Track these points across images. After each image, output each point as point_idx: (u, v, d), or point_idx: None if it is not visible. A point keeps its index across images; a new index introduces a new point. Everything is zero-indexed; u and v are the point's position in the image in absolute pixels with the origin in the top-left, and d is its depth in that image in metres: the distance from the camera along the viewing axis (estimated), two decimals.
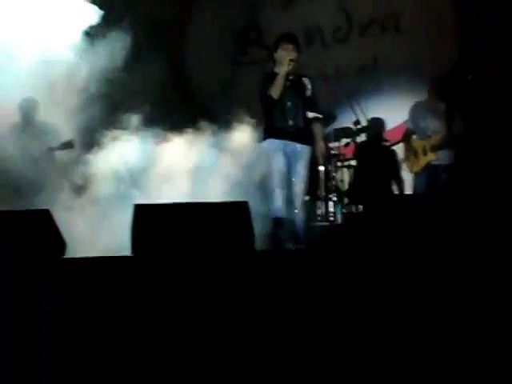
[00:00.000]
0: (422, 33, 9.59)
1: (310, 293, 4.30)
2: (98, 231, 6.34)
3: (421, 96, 8.01)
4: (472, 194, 4.89)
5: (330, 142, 8.92)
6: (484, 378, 4.09)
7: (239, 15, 10.37)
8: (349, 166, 9.01)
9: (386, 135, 8.73)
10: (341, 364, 4.16)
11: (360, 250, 4.47)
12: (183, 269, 4.25)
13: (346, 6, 10.18)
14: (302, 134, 6.44)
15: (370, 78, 9.90)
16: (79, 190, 6.95)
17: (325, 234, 7.47)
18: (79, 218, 6.30)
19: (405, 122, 8.02)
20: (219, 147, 7.14)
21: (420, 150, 7.70)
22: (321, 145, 6.59)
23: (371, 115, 8.74)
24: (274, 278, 4.32)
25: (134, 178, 6.98)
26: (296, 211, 6.30)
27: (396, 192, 8.35)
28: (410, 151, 7.81)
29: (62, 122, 7.20)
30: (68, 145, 7.19)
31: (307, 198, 8.47)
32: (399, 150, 8.35)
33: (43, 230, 4.34)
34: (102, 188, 6.84)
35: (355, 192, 8.64)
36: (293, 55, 6.45)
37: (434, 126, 7.67)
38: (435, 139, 7.61)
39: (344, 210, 8.60)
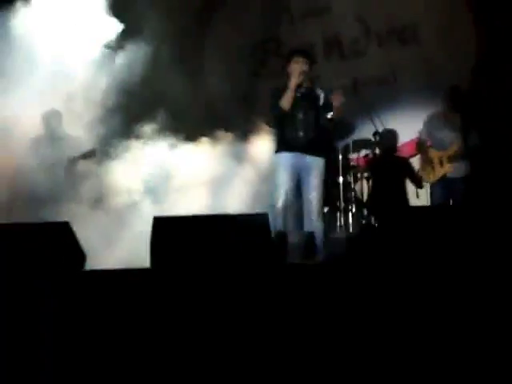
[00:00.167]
0: (440, 44, 9.56)
1: (331, 306, 4.28)
2: (114, 243, 6.35)
3: (438, 107, 7.99)
4: (488, 205, 4.88)
5: (349, 153, 8.92)
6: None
7: (258, 27, 10.39)
8: (368, 177, 8.99)
9: (400, 147, 8.72)
10: (357, 375, 4.14)
11: (376, 262, 4.47)
12: (202, 282, 4.24)
13: (364, 17, 10.17)
14: (313, 146, 6.44)
15: (389, 90, 9.88)
16: (97, 201, 6.96)
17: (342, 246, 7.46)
18: (96, 230, 6.30)
19: (419, 133, 8.00)
20: (238, 158, 7.14)
21: (436, 161, 7.69)
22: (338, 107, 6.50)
23: (390, 126, 8.72)
24: (294, 290, 4.31)
25: (152, 189, 6.99)
26: (313, 223, 6.26)
27: (411, 203, 8.34)
28: (427, 162, 7.79)
29: (81, 134, 7.23)
30: (90, 154, 7.22)
31: (326, 209, 8.49)
32: (416, 161, 8.32)
33: (63, 242, 4.34)
34: (120, 200, 6.85)
35: (374, 203, 8.61)
36: (304, 68, 6.46)
37: (450, 137, 7.66)
38: (452, 150, 7.60)
39: (363, 222, 8.59)
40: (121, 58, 6.97)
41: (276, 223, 6.18)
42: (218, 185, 7.07)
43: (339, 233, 8.42)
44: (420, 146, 7.95)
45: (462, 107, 7.71)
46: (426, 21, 9.76)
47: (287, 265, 5.53)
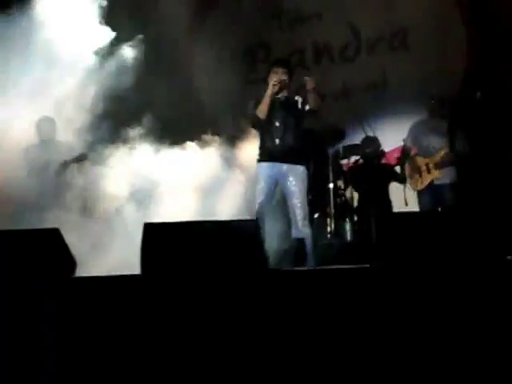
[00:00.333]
0: (430, 49, 9.58)
1: (321, 312, 4.29)
2: (104, 250, 6.33)
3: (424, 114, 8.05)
4: (476, 211, 4.91)
5: (340, 159, 8.93)
6: None
7: (248, 33, 10.39)
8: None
9: (388, 153, 8.74)
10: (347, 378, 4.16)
11: (371, 269, 4.49)
12: (193, 288, 4.24)
13: (354, 23, 10.19)
14: (291, 154, 6.40)
15: (379, 95, 9.90)
16: (86, 208, 6.95)
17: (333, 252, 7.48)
18: (85, 236, 6.28)
19: (404, 141, 8.05)
20: (227, 162, 7.14)
21: (423, 168, 7.74)
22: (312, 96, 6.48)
23: (380, 132, 8.74)
24: (284, 297, 4.31)
25: (141, 194, 6.98)
26: (299, 230, 6.25)
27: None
28: (414, 169, 7.83)
29: (71, 140, 7.22)
30: (81, 157, 7.21)
31: (316, 215, 8.50)
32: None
33: (53, 249, 4.33)
34: (108, 206, 6.84)
35: (364, 209, 8.63)
36: (282, 77, 6.46)
37: (436, 143, 7.73)
38: (439, 156, 7.65)
39: (354, 228, 8.59)
40: (110, 65, 6.96)
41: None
42: (208, 190, 7.07)
43: (330, 239, 8.42)
44: (405, 154, 8.00)
45: (446, 113, 7.80)
46: (416, 26, 9.78)
47: (277, 271, 5.55)
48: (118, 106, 6.99)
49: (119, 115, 7.12)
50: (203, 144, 7.35)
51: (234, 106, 7.98)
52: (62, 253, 4.32)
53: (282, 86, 6.45)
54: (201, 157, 7.25)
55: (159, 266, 4.32)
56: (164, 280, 4.26)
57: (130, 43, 7.03)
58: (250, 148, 7.29)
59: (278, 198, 6.64)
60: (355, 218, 8.66)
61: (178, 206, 6.79)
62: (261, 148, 6.53)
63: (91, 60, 6.95)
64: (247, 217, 6.37)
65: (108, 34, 6.97)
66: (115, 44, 6.99)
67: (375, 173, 8.60)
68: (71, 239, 4.51)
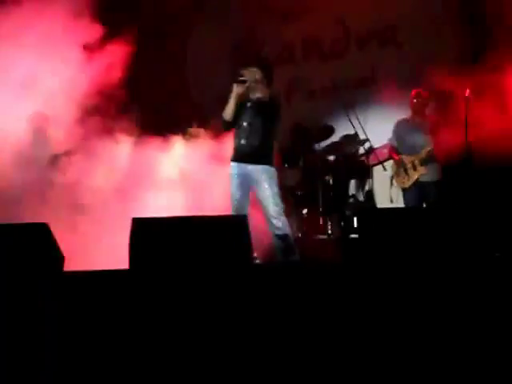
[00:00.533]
0: (421, 45, 9.61)
1: (309, 305, 4.31)
2: (92, 244, 6.34)
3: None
4: (462, 207, 4.96)
5: (327, 155, 8.98)
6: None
7: (239, 28, 10.40)
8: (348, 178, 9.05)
9: (377, 150, 8.79)
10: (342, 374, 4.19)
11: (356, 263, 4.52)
12: (180, 283, 4.25)
13: (344, 19, 10.21)
14: (255, 154, 6.38)
15: (369, 91, 9.92)
16: (75, 202, 6.94)
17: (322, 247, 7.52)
18: (74, 231, 6.28)
19: (389, 140, 8.13)
20: (216, 156, 7.15)
21: (409, 166, 7.83)
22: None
23: (369, 128, 8.77)
24: (271, 291, 4.33)
25: (130, 188, 7.00)
26: (274, 227, 6.26)
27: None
28: (400, 167, 7.90)
29: (60, 134, 7.22)
30: (70, 153, 7.21)
31: (305, 211, 8.55)
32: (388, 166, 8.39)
33: (41, 243, 4.33)
34: (97, 200, 6.84)
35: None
36: (256, 76, 6.41)
37: (420, 140, 7.83)
38: (424, 153, 7.77)
39: (342, 223, 8.64)
40: (101, 59, 6.96)
41: None
42: (196, 183, 7.09)
43: (320, 234, 8.48)
44: (390, 153, 8.09)
45: (424, 111, 7.88)
46: (407, 22, 9.81)
47: (265, 265, 5.57)
48: (106, 100, 6.99)
49: (108, 110, 7.11)
50: (193, 138, 7.37)
51: (222, 100, 7.96)
52: (50, 247, 4.32)
53: (250, 85, 6.40)
54: (190, 150, 7.27)
55: (147, 260, 4.33)
56: (152, 274, 4.27)
57: (120, 38, 7.01)
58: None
59: None
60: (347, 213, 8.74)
61: (168, 199, 6.82)
62: (233, 148, 6.55)
63: (81, 54, 6.94)
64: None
65: (98, 29, 6.95)
66: (105, 39, 6.98)
67: (353, 169, 8.71)
68: (59, 233, 4.52)
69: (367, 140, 8.81)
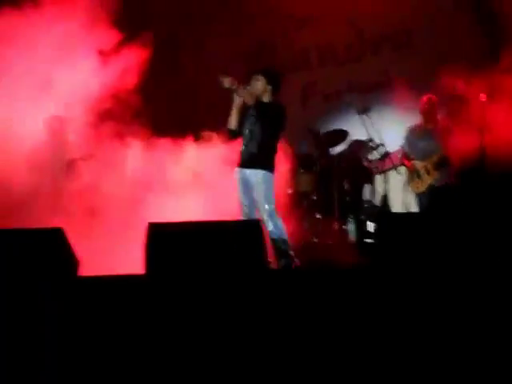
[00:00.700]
0: (434, 48, 9.59)
1: (325, 309, 4.30)
2: (108, 249, 6.34)
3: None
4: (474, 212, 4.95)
5: (344, 159, 8.96)
6: None
7: (253, 35, 10.41)
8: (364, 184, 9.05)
9: (392, 154, 8.79)
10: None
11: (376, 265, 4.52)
12: (196, 287, 4.25)
13: (358, 23, 10.19)
14: (252, 159, 6.49)
15: (383, 95, 9.89)
16: (90, 207, 6.95)
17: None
18: (89, 235, 6.29)
19: (401, 146, 8.16)
20: (230, 161, 7.16)
21: (423, 171, 7.85)
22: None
23: (384, 133, 8.76)
24: (287, 295, 4.32)
25: (145, 193, 7.01)
26: (269, 230, 6.30)
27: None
28: (413, 173, 7.92)
29: (77, 139, 7.26)
30: (87, 157, 7.24)
31: (319, 216, 8.53)
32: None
33: (56, 248, 4.34)
34: (112, 205, 6.85)
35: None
36: (255, 85, 6.49)
37: (431, 145, 7.88)
38: (436, 157, 7.80)
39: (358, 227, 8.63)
40: (117, 64, 6.99)
41: None
42: (210, 187, 7.10)
43: (335, 239, 8.46)
44: (402, 159, 8.19)
45: (433, 117, 7.89)
46: (419, 25, 9.79)
47: (280, 270, 5.57)
48: (121, 105, 7.01)
49: (122, 114, 7.14)
50: (203, 141, 7.40)
51: None
52: (65, 252, 4.33)
53: (254, 94, 6.46)
54: (201, 154, 7.30)
55: (163, 265, 4.33)
56: (167, 279, 4.27)
57: (136, 44, 7.03)
58: None
59: None
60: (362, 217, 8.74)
61: (180, 204, 6.83)
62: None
63: (97, 59, 6.98)
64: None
65: (115, 35, 6.98)
66: (121, 44, 7.00)
67: (356, 175, 8.74)
68: (74, 238, 4.52)
69: (382, 144, 8.78)
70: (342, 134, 9.20)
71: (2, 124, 6.77)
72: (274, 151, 6.52)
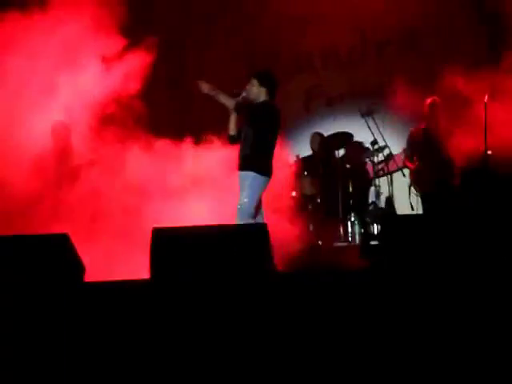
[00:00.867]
0: (438, 48, 9.59)
1: (332, 312, 4.30)
2: (113, 254, 6.35)
3: None
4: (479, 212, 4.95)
5: (348, 161, 8.97)
6: None
7: (255, 38, 10.41)
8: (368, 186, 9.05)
9: (391, 156, 8.80)
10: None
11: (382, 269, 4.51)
12: (201, 292, 4.25)
13: (361, 25, 10.18)
14: (244, 161, 6.45)
15: (387, 97, 9.88)
16: (95, 211, 6.96)
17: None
18: (95, 241, 6.30)
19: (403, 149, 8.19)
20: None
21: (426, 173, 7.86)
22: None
23: (388, 135, 8.77)
24: (294, 298, 4.32)
25: (149, 197, 7.02)
26: None
27: None
28: (416, 175, 7.97)
29: (81, 144, 7.27)
30: (92, 163, 7.25)
31: (323, 218, 8.53)
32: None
33: (62, 254, 4.34)
34: (117, 209, 6.86)
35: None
36: (250, 89, 6.50)
37: (435, 147, 7.85)
38: (439, 159, 7.78)
39: (362, 230, 8.62)
40: (120, 69, 7.00)
41: None
42: (214, 190, 7.11)
43: (340, 241, 8.47)
44: (404, 162, 8.25)
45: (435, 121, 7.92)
46: (423, 26, 9.79)
47: (286, 273, 5.56)
48: (124, 110, 7.02)
49: (125, 119, 7.14)
50: (210, 146, 7.41)
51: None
52: (71, 258, 4.34)
53: (249, 98, 6.49)
54: (205, 158, 7.31)
55: (168, 270, 4.33)
56: (173, 284, 4.27)
57: (140, 48, 7.04)
58: None
59: None
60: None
61: (184, 208, 6.84)
62: None
63: (101, 64, 6.99)
64: None
65: (119, 40, 6.98)
66: (126, 49, 7.01)
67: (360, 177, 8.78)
68: (79, 244, 4.53)
69: (386, 146, 8.78)
70: (346, 137, 9.20)
71: (6, 129, 6.78)
72: (265, 153, 6.45)
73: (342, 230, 8.60)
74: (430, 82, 9.01)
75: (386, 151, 8.89)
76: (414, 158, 8.17)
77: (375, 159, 8.89)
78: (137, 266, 4.82)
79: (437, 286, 4.36)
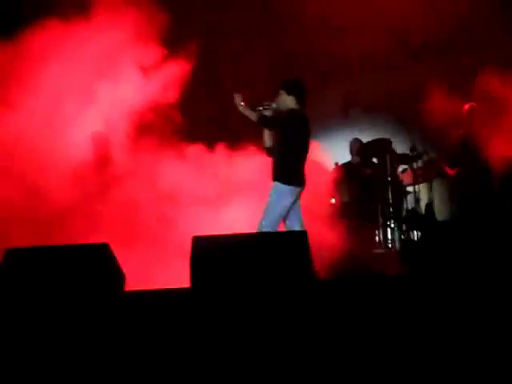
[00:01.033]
0: (475, 52, 9.55)
1: (374, 319, 4.27)
2: (152, 263, 6.36)
3: None
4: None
5: (387, 167, 8.94)
6: None
7: (293, 50, 10.44)
8: (406, 193, 8.99)
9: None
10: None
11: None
12: (242, 300, 4.23)
13: (399, 30, 10.16)
14: (274, 171, 6.33)
15: (424, 103, 9.82)
16: (133, 224, 6.99)
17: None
18: (137, 252, 6.32)
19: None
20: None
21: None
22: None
23: (426, 141, 8.74)
24: (335, 306, 4.29)
25: (187, 205, 7.04)
26: None
27: None
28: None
29: (119, 153, 7.31)
30: (132, 169, 7.29)
31: (362, 225, 8.49)
32: None
33: (102, 263, 4.36)
34: (156, 218, 6.88)
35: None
36: (279, 100, 6.45)
37: (473, 153, 7.84)
38: (478, 165, 7.80)
39: (402, 237, 8.57)
40: (158, 78, 7.03)
41: None
42: (254, 198, 7.10)
43: (380, 248, 8.43)
44: (444, 169, 8.25)
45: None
46: (462, 33, 9.74)
47: (328, 281, 5.53)
48: (162, 119, 7.05)
49: (163, 128, 7.17)
50: (241, 152, 7.43)
51: None
52: (112, 267, 4.35)
53: (279, 109, 6.43)
54: (242, 166, 7.31)
55: (208, 278, 4.32)
56: (213, 293, 4.26)
57: (178, 57, 7.07)
58: None
59: None
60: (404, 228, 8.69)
61: (224, 215, 6.84)
62: None
63: (140, 73, 7.03)
64: None
65: (159, 50, 7.01)
66: (164, 59, 7.04)
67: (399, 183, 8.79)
68: (119, 252, 4.54)
69: (425, 152, 8.74)
70: (385, 143, 9.15)
71: (46, 139, 6.83)
72: (292, 162, 6.30)
73: (381, 237, 8.55)
74: (466, 87, 8.98)
75: (425, 157, 8.86)
76: (454, 164, 8.12)
77: (414, 165, 8.83)
78: (175, 275, 4.80)
79: (477, 291, 4.31)
